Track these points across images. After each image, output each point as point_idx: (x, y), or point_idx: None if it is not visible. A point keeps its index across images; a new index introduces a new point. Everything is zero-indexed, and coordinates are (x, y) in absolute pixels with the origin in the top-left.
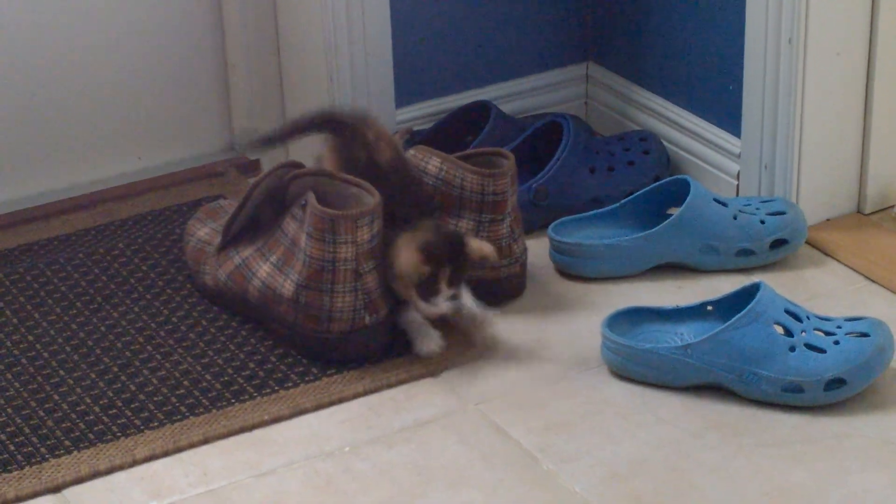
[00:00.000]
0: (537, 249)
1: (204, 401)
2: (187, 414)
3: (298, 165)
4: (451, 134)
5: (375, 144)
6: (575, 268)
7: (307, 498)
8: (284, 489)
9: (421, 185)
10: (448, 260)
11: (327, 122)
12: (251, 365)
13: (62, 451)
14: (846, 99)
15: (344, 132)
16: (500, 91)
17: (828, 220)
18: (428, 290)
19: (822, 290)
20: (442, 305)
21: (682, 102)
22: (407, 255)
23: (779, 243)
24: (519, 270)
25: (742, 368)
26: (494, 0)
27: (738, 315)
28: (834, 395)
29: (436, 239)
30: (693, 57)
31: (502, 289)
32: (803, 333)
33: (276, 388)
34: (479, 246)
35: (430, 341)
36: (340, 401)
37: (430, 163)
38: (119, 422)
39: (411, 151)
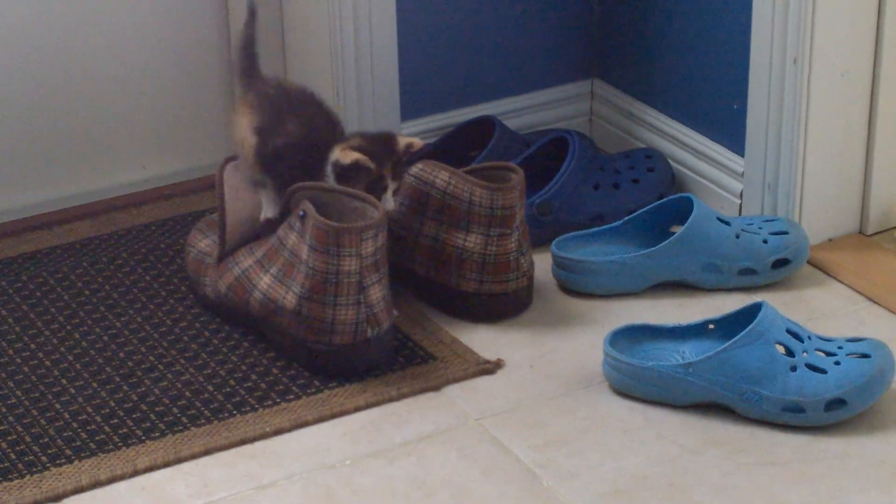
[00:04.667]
0: (540, 265)
1: (206, 412)
2: (189, 425)
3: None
4: (455, 149)
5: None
6: (577, 284)
7: None
8: (285, 502)
9: (329, 109)
10: (387, 156)
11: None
12: (253, 377)
13: (63, 461)
14: (850, 119)
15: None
16: (504, 106)
17: (830, 240)
18: (377, 189)
19: (823, 310)
20: (391, 200)
21: (686, 120)
22: (353, 155)
23: (781, 263)
24: (526, 284)
25: (743, 388)
26: (500, 16)
27: (740, 334)
28: (834, 415)
29: (369, 142)
30: (698, 75)
31: (510, 302)
32: (804, 354)
33: (278, 400)
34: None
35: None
36: (342, 414)
37: (439, 177)
38: (120, 431)
39: (419, 165)
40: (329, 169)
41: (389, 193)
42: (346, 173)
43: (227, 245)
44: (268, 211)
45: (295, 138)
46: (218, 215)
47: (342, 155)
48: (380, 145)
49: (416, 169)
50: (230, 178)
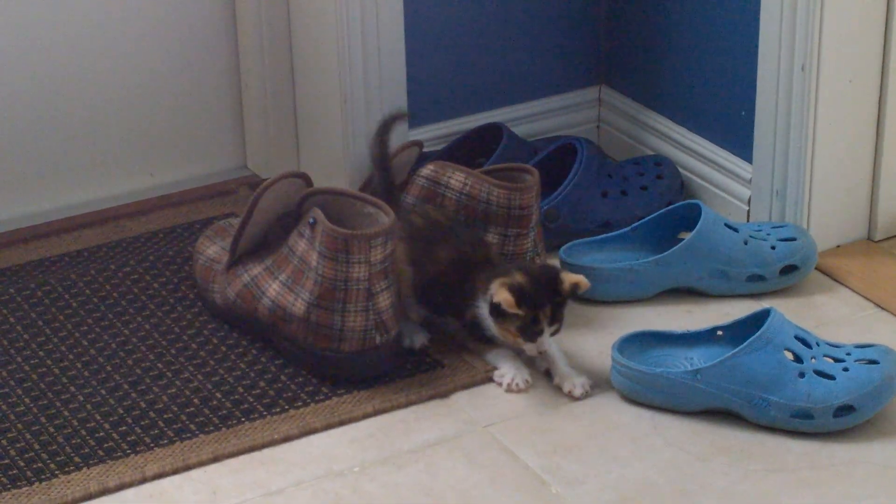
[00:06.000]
0: None
1: (214, 419)
2: (197, 432)
3: (303, 176)
4: (462, 156)
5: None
6: (585, 291)
7: None
8: None
9: (476, 232)
10: (547, 297)
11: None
12: (261, 383)
13: (72, 468)
14: (858, 126)
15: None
16: (512, 113)
17: (838, 246)
18: (530, 330)
19: (831, 316)
20: (546, 343)
21: (694, 127)
22: (504, 296)
23: (789, 269)
24: None
25: (751, 394)
26: (508, 22)
27: (749, 340)
28: (843, 421)
29: (528, 279)
30: (706, 82)
31: None
32: (813, 360)
33: (286, 407)
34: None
35: (522, 374)
36: (350, 421)
37: (454, 178)
38: (129, 439)
39: (430, 167)
40: (487, 300)
41: (545, 337)
42: (497, 310)
43: (236, 253)
44: (413, 341)
45: (446, 265)
46: (238, 227)
47: (498, 292)
48: (542, 284)
49: (427, 171)
50: (267, 200)
